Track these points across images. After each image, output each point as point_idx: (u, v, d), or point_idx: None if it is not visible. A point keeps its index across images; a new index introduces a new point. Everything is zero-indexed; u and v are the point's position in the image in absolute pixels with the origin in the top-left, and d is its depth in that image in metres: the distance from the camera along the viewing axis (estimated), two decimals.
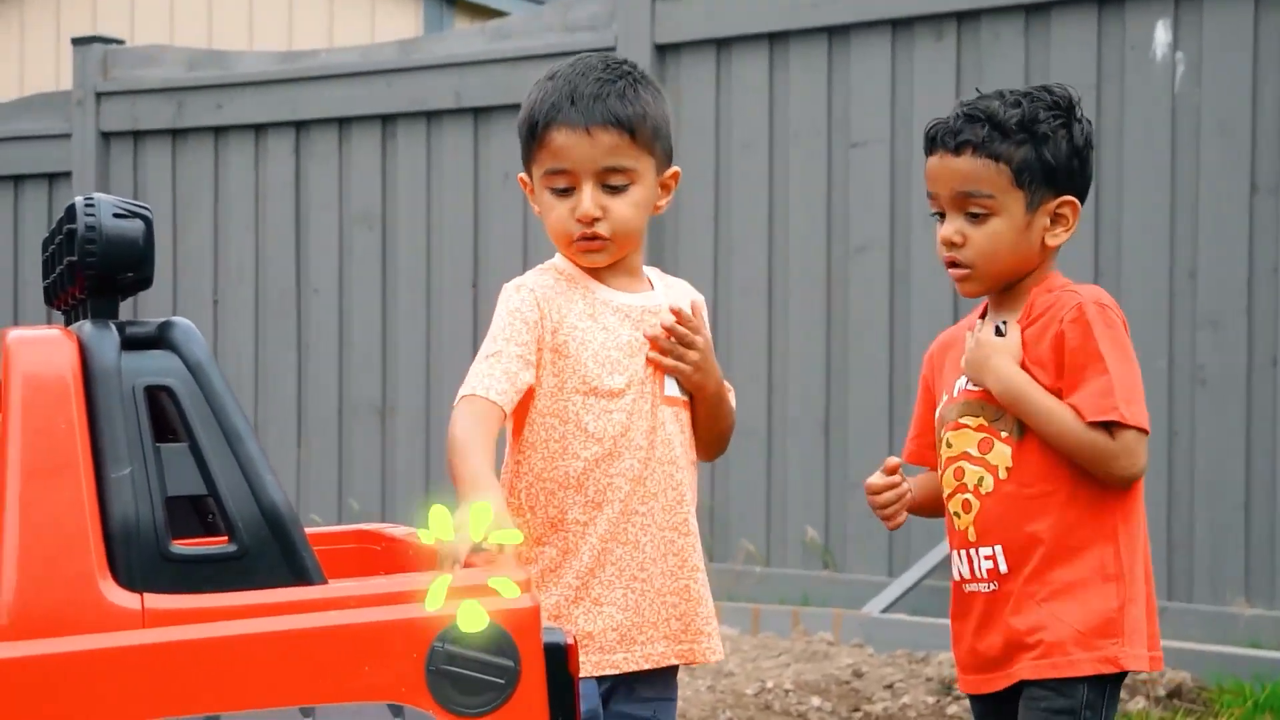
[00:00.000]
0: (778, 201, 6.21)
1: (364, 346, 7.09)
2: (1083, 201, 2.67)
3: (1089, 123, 2.68)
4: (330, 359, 7.17)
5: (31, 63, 10.74)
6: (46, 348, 1.99)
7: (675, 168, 2.66)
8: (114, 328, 2.01)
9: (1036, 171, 2.59)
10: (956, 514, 2.67)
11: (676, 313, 2.60)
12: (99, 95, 7.62)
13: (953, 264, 2.65)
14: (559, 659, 2.01)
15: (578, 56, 2.66)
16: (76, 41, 7.81)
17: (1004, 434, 2.61)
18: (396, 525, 2.57)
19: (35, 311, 7.57)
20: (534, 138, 2.59)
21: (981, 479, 2.63)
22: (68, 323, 2.24)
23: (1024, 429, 2.59)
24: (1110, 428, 2.54)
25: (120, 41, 7.99)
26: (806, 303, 6.15)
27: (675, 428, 2.60)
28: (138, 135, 7.59)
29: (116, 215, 2.01)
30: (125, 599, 1.91)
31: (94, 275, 2.01)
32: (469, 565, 2.12)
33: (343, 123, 7.14)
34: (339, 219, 7.16)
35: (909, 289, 5.90)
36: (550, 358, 2.55)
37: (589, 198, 2.56)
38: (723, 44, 6.31)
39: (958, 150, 2.61)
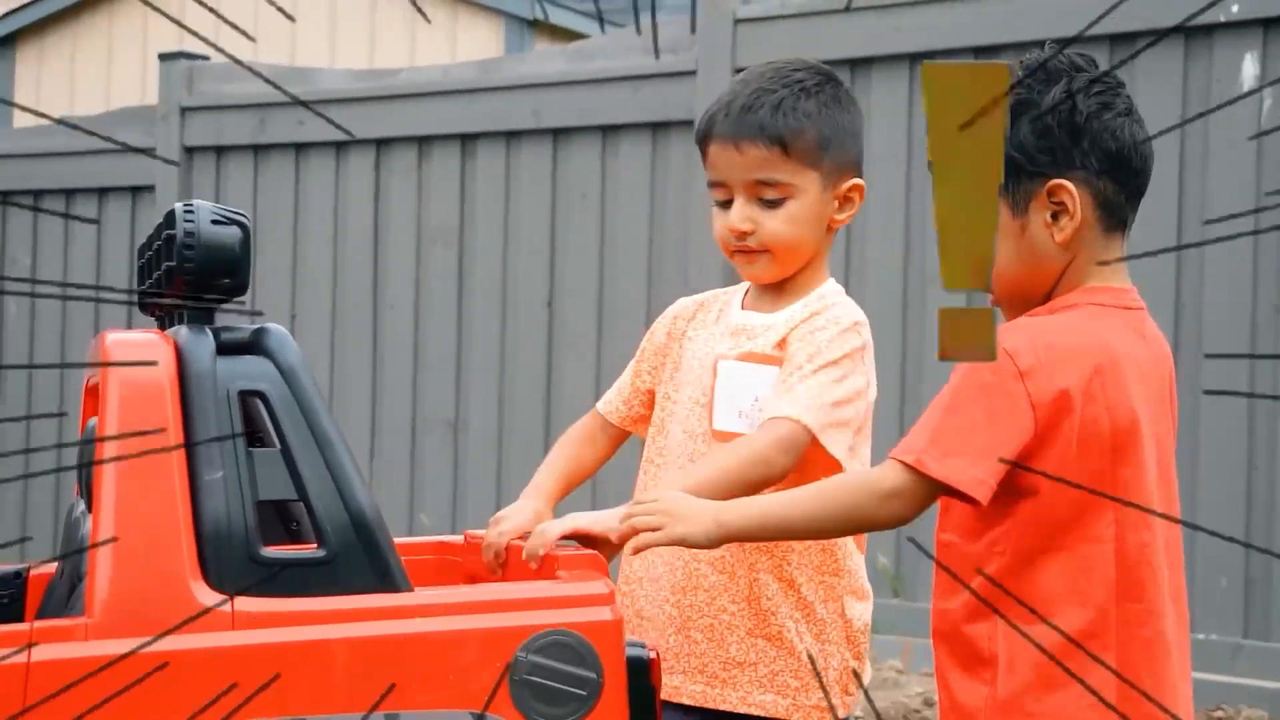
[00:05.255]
0: (855, 224, 6.19)
1: (438, 362, 7.12)
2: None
3: (1088, 89, 2.26)
4: (404, 374, 7.21)
5: (118, 78, 10.88)
6: (144, 351, 2.02)
7: (857, 180, 2.55)
8: (209, 332, 2.04)
9: (1012, 165, 2.18)
10: None
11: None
12: (184, 110, 7.72)
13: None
14: (641, 672, 2.02)
15: (767, 63, 2.62)
16: (163, 57, 7.91)
17: None
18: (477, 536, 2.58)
19: (117, 322, 7.65)
20: (700, 148, 2.58)
21: None
22: (163, 328, 2.26)
23: None
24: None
25: (205, 58, 8.09)
26: (882, 331, 6.12)
27: None
28: (220, 150, 7.68)
29: (215, 222, 2.04)
30: (215, 600, 1.93)
31: (191, 281, 2.03)
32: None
33: (422, 141, 7.18)
34: (417, 236, 7.20)
35: None
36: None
37: (738, 211, 2.52)
38: None
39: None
